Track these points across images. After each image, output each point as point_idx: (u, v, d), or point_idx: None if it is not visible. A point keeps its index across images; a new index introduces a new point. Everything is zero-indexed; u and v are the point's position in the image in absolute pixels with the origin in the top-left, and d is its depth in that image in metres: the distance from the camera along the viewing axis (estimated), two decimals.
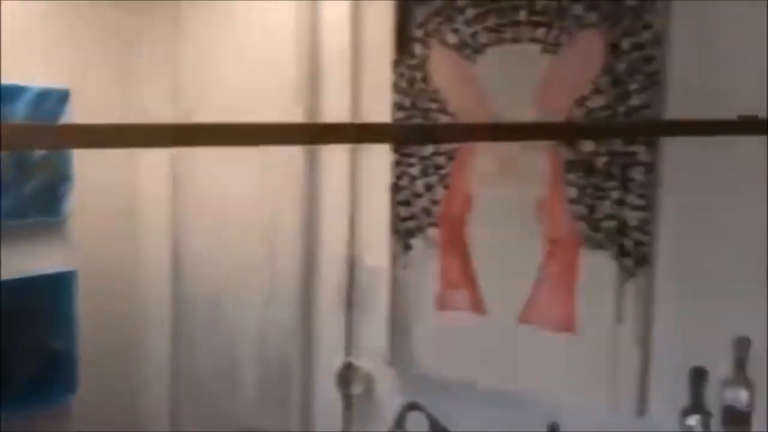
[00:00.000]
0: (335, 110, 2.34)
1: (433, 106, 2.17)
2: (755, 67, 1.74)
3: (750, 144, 1.73)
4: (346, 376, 2.39)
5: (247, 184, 2.51)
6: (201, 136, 0.91)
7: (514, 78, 2.04)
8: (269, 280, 2.50)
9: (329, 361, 2.43)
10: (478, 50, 2.08)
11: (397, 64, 2.21)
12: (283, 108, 2.36)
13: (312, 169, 2.42)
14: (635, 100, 1.86)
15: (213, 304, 2.61)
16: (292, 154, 2.40)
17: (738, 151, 1.76)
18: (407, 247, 2.25)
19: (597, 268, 1.94)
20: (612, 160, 1.91)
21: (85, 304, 2.59)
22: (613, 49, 1.88)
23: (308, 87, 2.39)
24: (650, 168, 1.86)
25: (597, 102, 1.91)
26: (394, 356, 2.30)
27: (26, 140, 0.77)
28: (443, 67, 2.15)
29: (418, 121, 2.19)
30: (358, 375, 2.39)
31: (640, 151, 1.87)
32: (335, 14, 2.34)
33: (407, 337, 2.27)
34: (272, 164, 2.43)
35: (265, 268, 2.50)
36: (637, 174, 1.87)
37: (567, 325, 2.00)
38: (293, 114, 2.36)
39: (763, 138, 1.67)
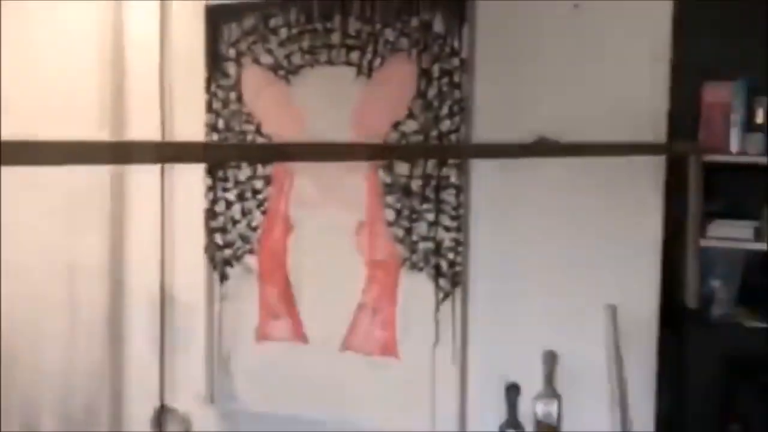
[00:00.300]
0: (144, 132, 2.18)
1: (248, 127, 2.09)
2: (553, 92, 1.85)
3: (553, 165, 1.83)
4: (162, 419, 2.22)
5: (44, 215, 2.27)
6: None
7: (330, 100, 2.01)
8: (72, 320, 2.26)
9: (142, 404, 2.24)
10: (293, 71, 2.04)
11: (209, 83, 2.11)
12: (85, 130, 2.17)
13: (118, 197, 2.24)
14: (446, 125, 1.90)
15: (9, 355, 2.32)
16: (96, 180, 2.20)
17: (541, 172, 1.85)
18: (224, 277, 2.13)
19: (416, 290, 1.95)
20: (426, 182, 1.93)
21: None
22: (425, 74, 1.92)
23: (114, 107, 2.22)
24: (461, 190, 1.91)
25: (411, 126, 1.94)
26: (213, 394, 2.16)
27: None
28: (258, 88, 2.08)
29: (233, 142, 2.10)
30: (175, 417, 2.23)
31: (452, 174, 1.91)
32: (143, 32, 2.20)
33: (227, 372, 2.14)
34: (73, 192, 2.21)
35: (67, 308, 2.26)
36: (450, 196, 1.91)
37: (389, 349, 1.99)
38: (97, 137, 2.17)
39: (563, 159, 1.78)
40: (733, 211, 1.80)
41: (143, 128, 2.18)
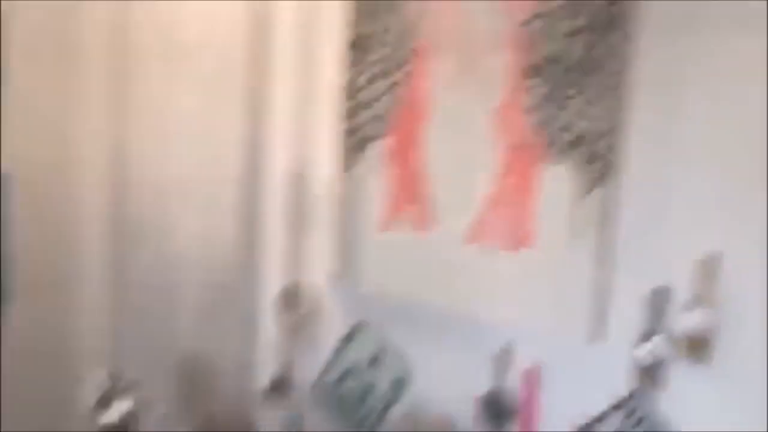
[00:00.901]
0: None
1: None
2: None
3: (737, 41, 1.54)
4: (292, 294, 2.25)
5: (188, 91, 2.31)
6: None
7: None
8: (211, 192, 2.32)
9: (275, 279, 2.28)
10: None
11: None
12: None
13: (258, 64, 2.22)
14: None
15: (155, 218, 2.44)
16: (237, 54, 2.20)
17: (722, 44, 1.57)
18: (355, 161, 2.07)
19: (557, 180, 1.77)
20: (586, 52, 1.70)
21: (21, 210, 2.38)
22: None
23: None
24: (623, 62, 1.66)
25: None
26: (342, 274, 2.15)
27: None
28: None
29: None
30: (305, 294, 2.25)
31: (614, 40, 1.66)
32: None
33: (355, 254, 2.11)
34: (215, 69, 2.23)
35: (206, 179, 2.33)
36: (607, 75, 1.68)
37: (523, 242, 1.84)
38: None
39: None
40: None
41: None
